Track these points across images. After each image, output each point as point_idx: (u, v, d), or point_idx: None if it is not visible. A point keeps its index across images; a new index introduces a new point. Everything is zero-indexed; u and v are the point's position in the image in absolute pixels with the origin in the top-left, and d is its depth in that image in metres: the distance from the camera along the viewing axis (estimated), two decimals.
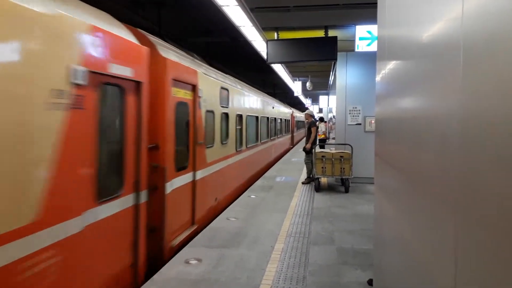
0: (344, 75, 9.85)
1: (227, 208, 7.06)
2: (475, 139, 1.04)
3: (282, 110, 17.97)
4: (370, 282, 3.77)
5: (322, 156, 8.57)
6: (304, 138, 10.44)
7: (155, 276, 4.02)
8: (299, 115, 29.76)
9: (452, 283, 1.18)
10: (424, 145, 1.58)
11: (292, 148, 22.62)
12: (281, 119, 17.31)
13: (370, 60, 8.31)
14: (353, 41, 8.66)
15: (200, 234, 5.50)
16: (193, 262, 4.42)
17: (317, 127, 11.07)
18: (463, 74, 1.14)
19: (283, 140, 18.69)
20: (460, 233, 1.13)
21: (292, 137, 24.08)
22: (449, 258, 1.21)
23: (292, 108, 25.26)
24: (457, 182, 1.16)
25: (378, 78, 2.92)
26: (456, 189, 1.17)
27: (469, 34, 1.10)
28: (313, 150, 9.25)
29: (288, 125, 21.00)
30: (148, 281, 3.92)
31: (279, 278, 3.99)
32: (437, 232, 1.36)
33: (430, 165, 1.48)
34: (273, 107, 14.77)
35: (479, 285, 0.99)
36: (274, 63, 8.67)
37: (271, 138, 14.37)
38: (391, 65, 2.43)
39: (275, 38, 8.83)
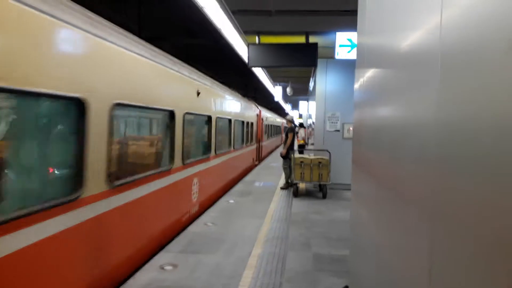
0: (324, 82, 9.94)
1: (205, 213, 6.97)
2: (451, 148, 1.03)
3: (232, 106, 10.21)
4: None
5: (301, 162, 8.59)
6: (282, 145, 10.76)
7: (128, 283, 3.90)
8: (271, 117, 22.75)
9: None
10: (400, 153, 1.58)
11: (257, 165, 15.58)
12: (230, 120, 9.92)
13: (349, 67, 8.41)
14: (333, 48, 8.75)
15: (176, 239, 5.39)
16: (168, 268, 4.32)
17: (295, 133, 11.13)
18: (440, 83, 1.14)
19: (241, 155, 11.84)
20: (435, 241, 1.13)
21: (259, 149, 16.67)
22: (424, 266, 1.20)
23: (259, 107, 16.78)
24: (433, 190, 1.15)
25: (356, 85, 2.93)
26: (431, 197, 1.16)
27: (447, 44, 1.10)
28: (292, 155, 9.28)
29: (251, 131, 13.89)
30: (121, 286, 3.80)
31: (255, 285, 3.94)
32: (412, 240, 1.36)
33: (407, 173, 1.48)
34: (198, 93, 6.81)
35: None
36: (255, 66, 8.65)
37: (204, 157, 7.42)
38: (369, 73, 2.44)
39: (256, 42, 8.83)
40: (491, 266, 0.79)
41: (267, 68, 12.69)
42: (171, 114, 5.46)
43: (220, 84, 9.29)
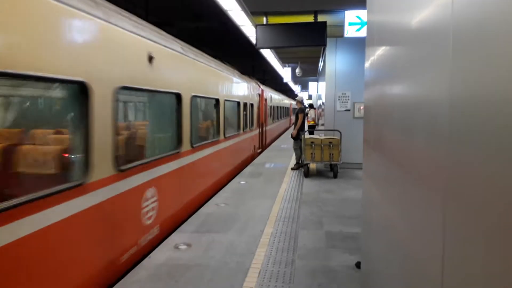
0: (334, 61, 9.84)
1: (217, 194, 7.08)
2: (464, 125, 1.05)
3: (221, 83, 8.12)
4: (358, 265, 3.85)
5: (311, 142, 8.61)
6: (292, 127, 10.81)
7: (145, 261, 4.03)
8: (277, 97, 20.60)
9: (439, 268, 1.21)
10: (413, 132, 1.60)
11: (260, 153, 13.38)
12: (217, 100, 7.76)
13: (359, 45, 8.29)
14: (342, 26, 8.62)
15: (189, 219, 5.51)
16: (183, 247, 4.44)
17: (306, 114, 11.12)
18: (452, 59, 1.14)
19: (236, 145, 9.62)
20: (447, 217, 1.15)
21: (262, 135, 14.29)
22: (437, 242, 1.23)
23: (261, 86, 14.46)
24: (446, 168, 1.17)
25: (367, 64, 2.92)
26: (444, 175, 1.18)
27: (459, 19, 1.10)
28: (302, 136, 9.28)
29: (251, 114, 11.67)
30: (137, 266, 3.94)
31: (268, 262, 4.04)
32: (425, 217, 1.39)
33: (419, 151, 1.50)
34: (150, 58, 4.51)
35: (467, 270, 1.01)
36: (263, 48, 8.59)
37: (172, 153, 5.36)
38: (380, 51, 2.43)
39: (264, 23, 8.74)
40: (505, 240, 0.81)
41: (275, 49, 12.57)
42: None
43: (200, 53, 6.58)
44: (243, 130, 10.53)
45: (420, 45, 1.50)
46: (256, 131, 12.91)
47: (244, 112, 10.57)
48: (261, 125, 14.04)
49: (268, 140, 16.54)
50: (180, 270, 3.85)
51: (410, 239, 1.60)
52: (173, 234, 4.89)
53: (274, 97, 19.09)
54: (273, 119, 18.81)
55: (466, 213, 1.02)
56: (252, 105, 11.75)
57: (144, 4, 9.45)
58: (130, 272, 3.81)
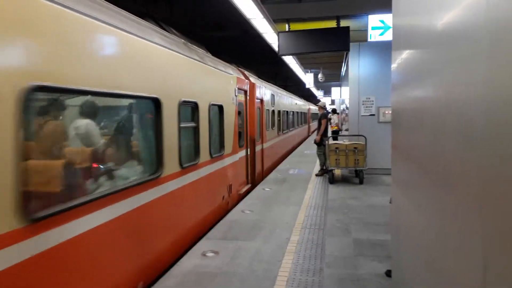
0: (357, 66, 9.74)
1: (242, 201, 7.09)
2: (500, 131, 1.01)
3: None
4: (388, 273, 3.75)
5: (336, 148, 8.52)
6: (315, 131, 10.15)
7: (173, 269, 4.07)
8: (286, 99, 15.23)
9: (480, 280, 1.15)
10: (446, 136, 1.55)
11: (248, 192, 8.16)
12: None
13: (383, 49, 8.18)
14: (366, 31, 8.54)
15: (215, 226, 5.54)
16: (210, 254, 4.46)
17: (329, 119, 11.00)
18: (487, 62, 1.11)
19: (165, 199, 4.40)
20: (487, 225, 1.11)
21: (254, 158, 9.19)
22: (476, 253, 1.17)
23: (252, 78, 9.41)
24: (482, 175, 1.13)
25: (393, 68, 2.88)
26: (482, 181, 1.14)
27: (494, 19, 1.07)
28: (326, 142, 9.20)
29: (218, 125, 6.39)
30: (166, 274, 3.98)
31: (296, 270, 4.00)
32: (461, 226, 1.34)
33: (453, 156, 1.45)
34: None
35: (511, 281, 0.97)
36: (285, 55, 8.61)
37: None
38: (407, 54, 2.39)
39: (286, 30, 8.76)
40: None
41: (297, 55, 12.57)
42: None
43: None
44: (190, 161, 5.04)
45: (452, 46, 1.47)
46: (237, 155, 7.48)
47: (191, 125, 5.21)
48: (252, 142, 8.93)
49: (270, 163, 10.97)
50: (208, 277, 3.87)
51: (445, 249, 1.54)
52: (200, 241, 4.93)
53: (280, 98, 13.45)
54: (281, 129, 13.49)
55: (506, 220, 0.98)
56: (221, 108, 6.45)
57: (168, 16, 9.67)
58: (159, 280, 3.85)
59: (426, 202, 1.87)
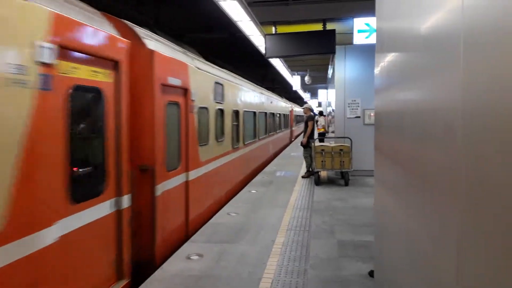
0: (343, 68, 9.84)
1: (228, 203, 7.07)
2: (479, 132, 1.03)
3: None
4: (371, 273, 3.79)
5: (322, 150, 8.57)
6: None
7: (157, 273, 4.03)
8: (254, 93, 11.08)
9: (454, 276, 1.18)
10: (426, 138, 1.58)
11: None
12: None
13: (368, 52, 8.27)
14: (351, 34, 8.62)
15: (200, 229, 5.51)
16: (195, 257, 4.43)
17: (315, 121, 11.05)
18: (464, 65, 1.13)
19: None
20: (464, 225, 1.13)
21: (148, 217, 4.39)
22: (452, 252, 1.21)
23: (152, 38, 4.66)
24: (461, 175, 1.15)
25: (377, 71, 2.91)
26: (460, 183, 1.16)
27: (469, 24, 1.09)
28: (312, 144, 9.25)
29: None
30: (150, 277, 3.93)
31: (280, 272, 4.00)
32: (440, 226, 1.36)
33: (433, 158, 1.48)
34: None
35: (483, 279, 0.99)
36: (272, 57, 8.63)
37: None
38: (390, 57, 2.42)
39: (273, 32, 8.79)
40: None
41: (284, 58, 12.62)
42: None
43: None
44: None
45: (431, 50, 1.49)
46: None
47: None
48: (144, 175, 4.34)
49: (210, 203, 6.63)
50: (193, 281, 3.84)
51: (425, 247, 1.57)
52: (185, 244, 4.89)
53: (240, 93, 9.12)
54: (242, 140, 9.27)
55: (483, 221, 1.00)
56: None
57: (154, 17, 9.60)
58: (143, 284, 3.81)
59: (408, 203, 1.89)
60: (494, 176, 0.93)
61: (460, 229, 1.15)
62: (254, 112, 11.00)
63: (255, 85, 12.46)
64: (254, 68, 19.72)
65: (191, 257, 4.43)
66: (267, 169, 11.48)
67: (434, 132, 1.46)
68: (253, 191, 8.16)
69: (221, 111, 7.46)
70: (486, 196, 0.98)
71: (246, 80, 10.99)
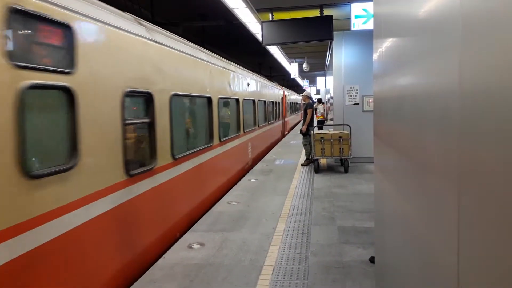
0: (341, 55, 9.77)
1: (228, 192, 7.10)
2: (476, 116, 1.03)
3: None
4: (372, 259, 3.82)
5: (321, 137, 8.57)
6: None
7: (159, 262, 4.06)
8: (223, 67, 7.51)
9: (454, 259, 1.19)
10: (424, 123, 1.57)
11: None
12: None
13: (366, 38, 8.20)
14: (349, 19, 8.53)
15: (201, 218, 5.54)
16: (196, 246, 4.47)
17: (314, 109, 11.03)
18: (461, 49, 1.12)
19: None
20: (462, 208, 1.14)
21: None
22: (452, 236, 1.21)
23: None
24: (459, 159, 1.15)
25: (375, 56, 2.89)
26: (458, 167, 1.16)
27: (468, 8, 1.08)
28: (311, 131, 9.25)
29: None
30: (152, 266, 3.97)
31: (282, 259, 4.04)
32: (439, 210, 1.37)
33: (431, 143, 1.48)
34: None
35: (483, 262, 1.00)
36: (269, 44, 8.56)
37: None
38: (388, 42, 2.40)
39: (270, 19, 8.70)
40: None
41: (282, 45, 12.52)
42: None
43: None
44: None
45: (429, 35, 1.48)
46: None
47: None
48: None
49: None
50: (195, 269, 3.87)
51: (424, 232, 1.58)
52: (186, 234, 4.92)
53: (174, 65, 5.06)
54: (176, 151, 4.98)
55: (480, 205, 1.00)
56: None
57: (149, 5, 9.49)
58: (145, 273, 3.84)
59: (407, 189, 1.90)
60: (491, 161, 0.93)
61: (459, 214, 1.15)
62: (209, 99, 6.59)
63: (235, 64, 9.30)
64: (252, 56, 19.59)
65: (193, 246, 4.46)
66: (266, 157, 11.50)
67: (431, 117, 1.45)
68: (252, 179, 8.18)
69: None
70: (483, 181, 0.98)
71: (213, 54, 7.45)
